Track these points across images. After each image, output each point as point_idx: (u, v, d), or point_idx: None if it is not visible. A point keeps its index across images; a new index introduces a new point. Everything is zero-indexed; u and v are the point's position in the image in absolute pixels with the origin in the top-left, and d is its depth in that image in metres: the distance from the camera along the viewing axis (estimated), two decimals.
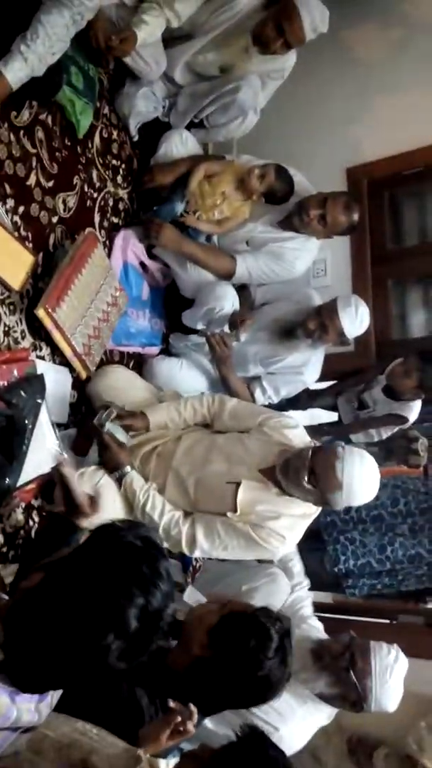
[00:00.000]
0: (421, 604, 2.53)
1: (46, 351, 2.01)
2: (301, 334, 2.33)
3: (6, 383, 1.68)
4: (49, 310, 1.88)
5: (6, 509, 1.72)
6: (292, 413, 2.56)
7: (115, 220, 2.41)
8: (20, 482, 1.64)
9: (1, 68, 1.65)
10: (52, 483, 1.77)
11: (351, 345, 2.46)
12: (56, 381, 1.98)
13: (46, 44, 1.71)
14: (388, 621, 2.56)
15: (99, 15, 1.96)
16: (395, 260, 2.89)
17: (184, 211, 2.37)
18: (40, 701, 1.01)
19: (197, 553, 1.86)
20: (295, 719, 1.77)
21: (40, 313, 1.87)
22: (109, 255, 2.30)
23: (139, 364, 2.48)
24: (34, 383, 1.71)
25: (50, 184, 2.08)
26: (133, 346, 2.45)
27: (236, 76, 2.38)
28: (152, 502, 1.84)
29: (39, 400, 1.70)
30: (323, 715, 1.84)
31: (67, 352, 2.00)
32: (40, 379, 1.75)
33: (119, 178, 2.45)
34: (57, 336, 1.94)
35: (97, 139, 2.33)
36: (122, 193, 2.46)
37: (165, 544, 1.85)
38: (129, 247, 2.39)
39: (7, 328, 1.87)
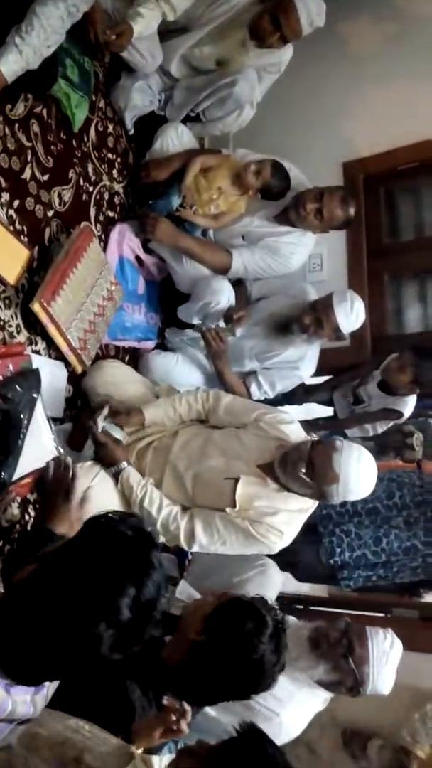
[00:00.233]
0: (415, 597, 2.55)
1: (41, 345, 2.00)
2: (297, 329, 2.34)
3: (1, 378, 1.67)
4: (45, 305, 1.87)
5: (1, 504, 1.72)
6: (287, 408, 2.57)
7: (110, 214, 2.40)
8: (16, 477, 1.64)
9: None
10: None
11: (346, 340, 2.46)
12: (52, 375, 1.97)
13: (41, 36, 1.70)
14: (383, 614, 2.57)
15: (95, 7, 1.95)
16: (391, 255, 2.90)
17: (180, 205, 2.37)
18: (36, 693, 1.01)
19: (195, 548, 1.86)
20: (294, 704, 1.79)
21: (36, 307, 1.87)
22: (104, 249, 2.29)
23: (134, 358, 2.48)
24: (30, 378, 1.71)
25: (45, 177, 2.07)
26: (129, 341, 2.44)
27: (233, 69, 2.37)
28: (150, 497, 1.84)
29: (34, 395, 1.69)
30: (319, 700, 1.86)
31: (63, 346, 1.99)
32: (36, 373, 1.75)
33: (115, 172, 2.44)
34: (52, 330, 1.94)
35: (92, 133, 2.32)
36: (118, 187, 2.45)
37: (162, 539, 1.85)
38: (125, 241, 2.39)
39: (2, 323, 1.86)
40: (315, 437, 1.96)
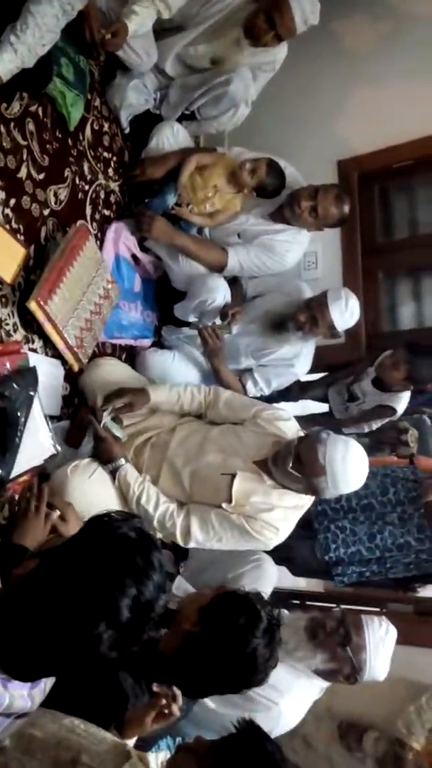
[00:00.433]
0: (410, 592, 2.57)
1: (38, 344, 2.01)
2: (292, 327, 2.35)
3: None
4: (41, 303, 1.88)
5: None
6: (283, 405, 2.58)
7: (106, 212, 2.41)
8: (13, 474, 1.65)
9: None
10: (45, 476, 1.79)
11: (341, 337, 2.48)
12: (48, 373, 1.98)
13: (36, 35, 1.70)
14: (378, 609, 2.59)
15: (90, 5, 1.95)
16: (385, 253, 2.91)
17: (175, 203, 2.37)
18: (33, 688, 1.02)
19: (191, 544, 1.87)
20: (293, 694, 1.80)
21: (32, 305, 1.87)
22: (100, 247, 2.30)
23: (131, 356, 2.49)
24: (27, 376, 1.72)
25: (41, 176, 2.07)
26: (126, 339, 2.45)
27: (227, 68, 2.37)
28: (147, 494, 1.85)
29: (31, 393, 1.70)
30: (316, 689, 1.88)
31: (60, 344, 2.00)
32: (33, 371, 1.76)
33: (110, 171, 2.44)
34: (49, 328, 1.95)
35: (88, 132, 2.33)
36: (114, 185, 2.45)
37: (159, 536, 1.86)
38: (121, 239, 2.39)
39: None
40: (303, 432, 1.98)
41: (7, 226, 1.89)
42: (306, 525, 2.12)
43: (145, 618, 0.92)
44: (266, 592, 1.87)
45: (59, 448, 1.83)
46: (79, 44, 2.12)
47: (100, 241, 2.34)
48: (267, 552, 2.07)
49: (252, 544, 1.89)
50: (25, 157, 2.00)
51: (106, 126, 2.43)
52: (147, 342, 2.54)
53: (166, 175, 2.38)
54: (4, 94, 1.89)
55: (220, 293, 2.36)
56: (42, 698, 1.07)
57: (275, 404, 2.37)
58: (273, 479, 1.87)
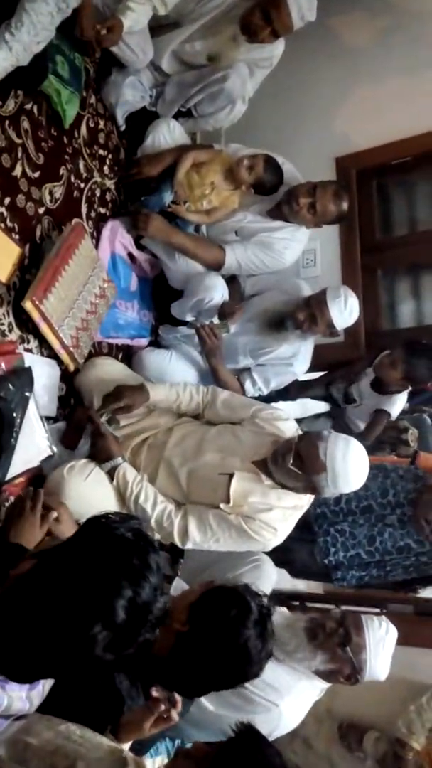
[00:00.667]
0: (411, 593, 2.55)
1: (33, 344, 2.00)
2: (291, 325, 2.34)
3: None
4: (37, 303, 1.86)
5: None
6: (282, 404, 2.57)
7: (102, 210, 2.39)
8: (9, 476, 1.64)
9: None
10: (41, 478, 1.78)
11: (340, 335, 2.46)
12: (44, 374, 1.97)
13: (30, 33, 1.69)
14: (378, 610, 2.58)
15: (85, 2, 1.94)
16: (384, 250, 2.90)
17: (172, 201, 2.36)
18: (31, 689, 1.02)
19: (189, 545, 1.86)
20: (293, 695, 1.78)
21: (28, 305, 1.86)
22: (96, 246, 2.28)
23: (128, 356, 2.47)
24: (22, 376, 1.71)
25: (36, 174, 2.06)
26: (122, 338, 2.44)
27: (224, 65, 2.36)
28: (145, 493, 1.84)
29: (27, 394, 1.69)
30: (317, 690, 1.87)
31: (55, 344, 1.99)
32: (28, 372, 1.74)
33: (106, 168, 2.43)
34: (44, 328, 1.93)
35: (83, 129, 2.31)
36: (109, 183, 2.44)
37: (156, 536, 1.85)
38: (117, 238, 2.38)
39: None
40: (302, 430, 1.97)
41: (2, 225, 1.87)
42: (305, 528, 2.11)
43: (141, 620, 0.91)
44: (265, 592, 1.85)
45: (55, 449, 1.82)
46: (74, 41, 2.11)
47: (96, 239, 2.33)
48: (266, 554, 2.06)
49: (250, 544, 1.88)
50: (20, 155, 1.99)
51: (101, 123, 2.41)
52: (144, 341, 2.52)
53: (163, 173, 2.36)
54: None
55: (217, 292, 2.35)
56: (40, 700, 1.06)
57: (274, 404, 2.36)
58: (272, 479, 1.86)
